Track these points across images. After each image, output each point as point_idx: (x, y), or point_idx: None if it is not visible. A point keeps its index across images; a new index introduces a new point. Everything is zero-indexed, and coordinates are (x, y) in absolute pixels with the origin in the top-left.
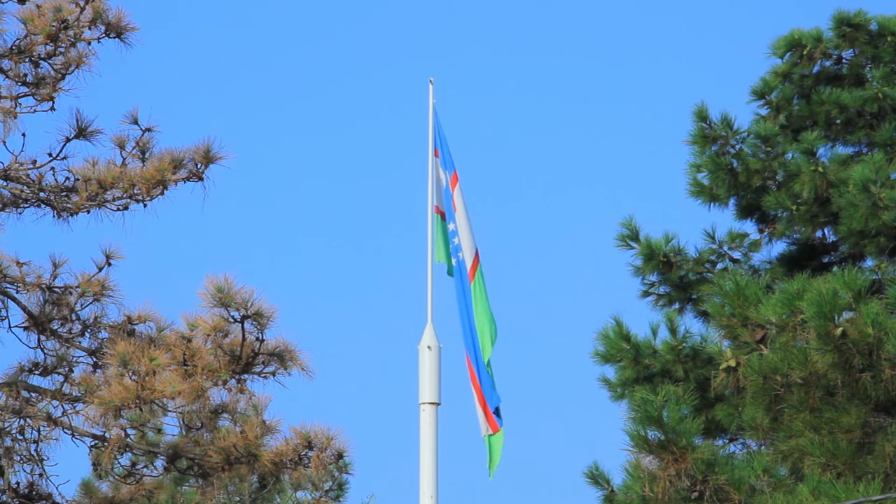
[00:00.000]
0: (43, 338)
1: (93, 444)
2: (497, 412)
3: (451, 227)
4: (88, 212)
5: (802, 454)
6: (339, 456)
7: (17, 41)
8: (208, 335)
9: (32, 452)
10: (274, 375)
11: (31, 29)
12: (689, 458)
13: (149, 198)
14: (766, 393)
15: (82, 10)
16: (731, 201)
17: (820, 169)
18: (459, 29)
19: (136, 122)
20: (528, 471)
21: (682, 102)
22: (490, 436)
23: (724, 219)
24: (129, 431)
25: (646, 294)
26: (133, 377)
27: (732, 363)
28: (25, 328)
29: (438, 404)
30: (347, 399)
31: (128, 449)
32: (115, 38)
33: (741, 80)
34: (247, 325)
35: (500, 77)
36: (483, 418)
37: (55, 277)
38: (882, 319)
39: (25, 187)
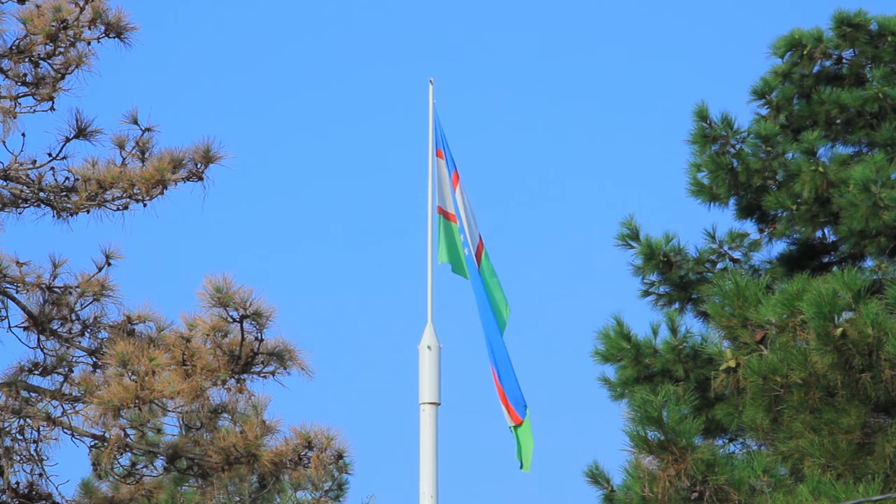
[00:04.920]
0: (43, 338)
1: (92, 444)
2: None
3: (461, 227)
4: (88, 212)
5: (802, 455)
6: (339, 456)
7: (17, 41)
8: (207, 335)
9: (32, 452)
10: (273, 375)
11: (31, 29)
12: (689, 459)
13: (148, 198)
14: (765, 393)
15: (82, 9)
16: (732, 201)
17: (820, 169)
18: (459, 29)
19: (135, 122)
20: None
21: (682, 102)
22: (515, 427)
23: (725, 218)
24: (129, 431)
25: (646, 294)
26: (132, 377)
27: (732, 364)
28: (25, 328)
29: (438, 404)
30: (347, 399)
31: (127, 449)
32: (114, 37)
33: (741, 80)
34: (246, 324)
35: (500, 77)
36: (504, 410)
37: (55, 277)
38: (882, 319)
39: (25, 187)
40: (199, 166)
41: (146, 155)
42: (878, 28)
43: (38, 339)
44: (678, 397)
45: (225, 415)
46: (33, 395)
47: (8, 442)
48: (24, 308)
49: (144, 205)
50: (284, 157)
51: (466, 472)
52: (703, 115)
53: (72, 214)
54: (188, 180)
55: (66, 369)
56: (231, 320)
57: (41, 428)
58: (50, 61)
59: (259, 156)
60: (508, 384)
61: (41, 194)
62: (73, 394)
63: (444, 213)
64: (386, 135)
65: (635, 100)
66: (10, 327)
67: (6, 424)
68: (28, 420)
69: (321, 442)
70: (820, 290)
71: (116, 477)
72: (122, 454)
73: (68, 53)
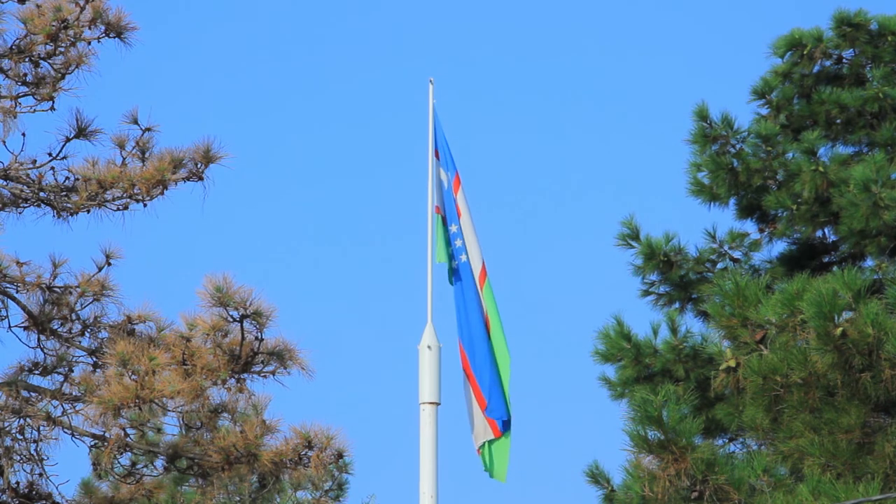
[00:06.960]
0: (43, 337)
1: (93, 443)
2: (504, 423)
3: (452, 228)
4: (88, 212)
5: (802, 454)
6: (339, 456)
7: (17, 41)
8: (207, 335)
9: (32, 452)
10: (273, 375)
11: (31, 28)
12: (689, 458)
13: (149, 197)
14: (765, 393)
15: (82, 9)
16: (732, 201)
17: (820, 168)
18: (459, 29)
19: (136, 122)
20: (527, 470)
21: (682, 102)
22: (490, 442)
23: (725, 218)
24: (129, 431)
25: (646, 293)
26: (133, 377)
27: (732, 363)
28: (25, 328)
29: (438, 404)
30: (347, 399)
31: (128, 448)
32: (115, 37)
33: (741, 80)
34: (246, 324)
35: (500, 77)
36: (483, 423)
37: (55, 277)
38: (882, 319)
39: (25, 187)
40: (199, 166)
41: (146, 155)
42: (878, 28)
43: (38, 339)
44: (678, 397)
45: (225, 414)
46: (33, 394)
47: (8, 442)
48: (24, 308)
49: (144, 205)
50: (284, 156)
51: (466, 472)
52: (703, 115)
53: (72, 214)
54: (188, 180)
55: (66, 369)
56: (231, 320)
57: (41, 428)
58: (50, 61)
59: (258, 156)
60: (491, 397)
61: (41, 194)
62: (73, 393)
63: (440, 213)
64: (386, 135)
65: (635, 100)
66: (10, 327)
67: (6, 424)
68: (28, 420)
69: (321, 442)
70: (820, 289)
71: (116, 477)
72: (122, 454)
73: (68, 53)
